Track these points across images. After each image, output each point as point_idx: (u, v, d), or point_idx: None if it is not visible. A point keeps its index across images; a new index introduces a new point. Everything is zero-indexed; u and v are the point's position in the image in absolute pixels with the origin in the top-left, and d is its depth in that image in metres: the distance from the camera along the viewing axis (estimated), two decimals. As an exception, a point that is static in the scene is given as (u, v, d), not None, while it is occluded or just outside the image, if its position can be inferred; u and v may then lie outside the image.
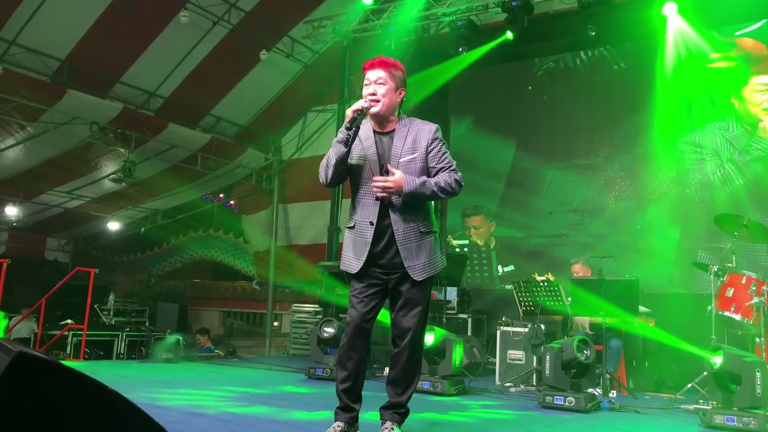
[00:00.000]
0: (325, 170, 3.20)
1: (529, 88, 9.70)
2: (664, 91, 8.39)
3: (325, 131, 12.17)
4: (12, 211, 11.95)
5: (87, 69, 9.56)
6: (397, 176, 3.03)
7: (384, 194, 3.07)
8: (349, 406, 3.17)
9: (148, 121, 10.24)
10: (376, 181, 3.06)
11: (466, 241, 9.87)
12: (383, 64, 3.21)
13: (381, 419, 3.22)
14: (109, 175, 11.14)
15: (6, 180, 11.17)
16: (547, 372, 5.02)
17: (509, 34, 8.78)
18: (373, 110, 3.15)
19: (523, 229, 9.35)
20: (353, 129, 3.09)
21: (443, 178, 3.11)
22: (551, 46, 9.43)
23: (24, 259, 12.70)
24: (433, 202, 3.28)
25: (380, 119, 3.23)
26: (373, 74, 3.19)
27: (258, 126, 12.18)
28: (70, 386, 1.61)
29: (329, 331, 6.33)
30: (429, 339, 5.42)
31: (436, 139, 3.20)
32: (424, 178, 3.10)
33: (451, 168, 3.17)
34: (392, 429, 3.14)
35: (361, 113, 3.11)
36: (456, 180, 3.13)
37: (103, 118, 9.57)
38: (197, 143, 11.06)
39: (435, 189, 3.09)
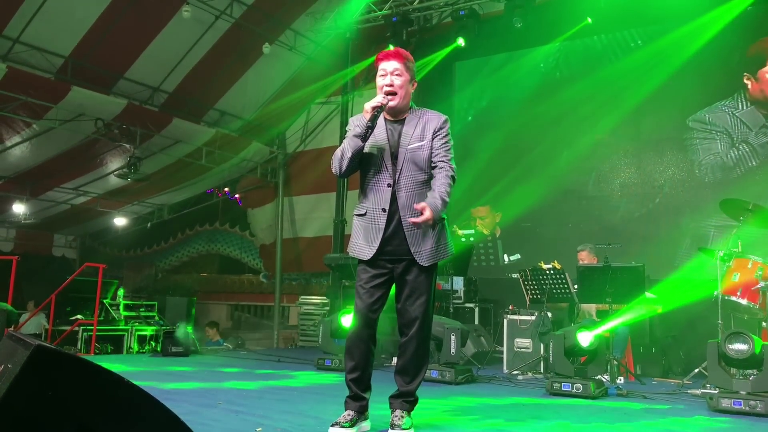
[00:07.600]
0: (339, 161, 3.22)
1: (542, 65, 9.58)
2: (673, 70, 8.35)
3: (329, 123, 12.17)
4: (19, 209, 12.01)
5: (91, 66, 9.57)
6: (427, 213, 2.99)
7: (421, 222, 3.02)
8: (358, 395, 3.21)
9: (153, 117, 10.27)
10: (414, 222, 3.02)
11: (472, 231, 9.87)
12: (399, 56, 3.24)
13: (391, 408, 3.26)
14: (114, 171, 11.20)
15: (13, 178, 11.24)
16: (552, 359, 5.05)
17: (518, 25, 8.76)
18: (391, 104, 3.18)
19: (529, 218, 9.34)
20: (372, 125, 3.11)
21: (444, 184, 3.12)
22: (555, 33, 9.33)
23: (31, 256, 12.77)
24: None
25: (395, 111, 3.26)
26: (390, 65, 3.21)
27: (262, 119, 12.19)
28: (86, 378, 1.65)
29: None
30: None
31: (443, 128, 3.24)
32: (435, 196, 3.09)
33: (447, 162, 3.19)
34: (402, 417, 3.17)
35: (380, 109, 3.14)
36: (453, 178, 3.18)
37: (107, 114, 9.59)
38: (202, 138, 11.08)
39: (446, 198, 3.11)
